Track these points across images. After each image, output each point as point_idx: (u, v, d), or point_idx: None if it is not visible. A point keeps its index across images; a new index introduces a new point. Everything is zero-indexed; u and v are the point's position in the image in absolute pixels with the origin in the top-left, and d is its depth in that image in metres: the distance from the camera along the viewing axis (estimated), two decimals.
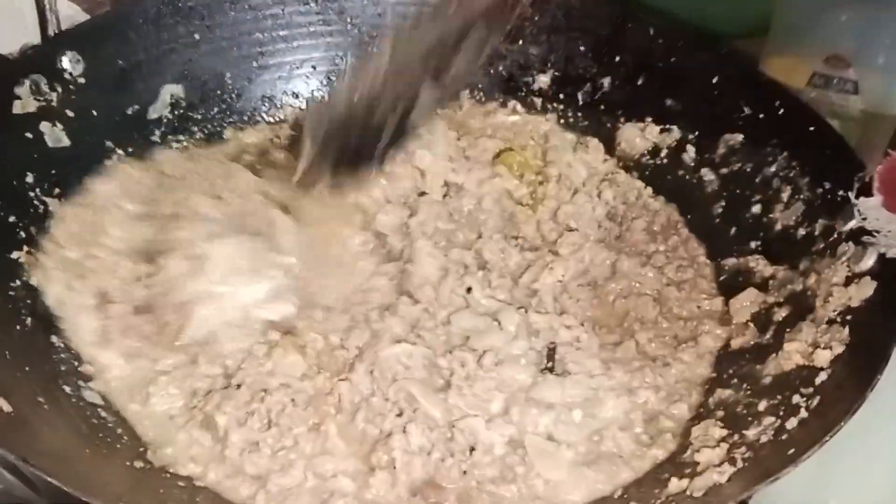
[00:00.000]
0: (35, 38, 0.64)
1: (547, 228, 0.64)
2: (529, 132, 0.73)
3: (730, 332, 0.54)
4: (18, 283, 0.52)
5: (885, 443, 0.52)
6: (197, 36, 0.69)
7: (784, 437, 0.42)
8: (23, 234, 0.54)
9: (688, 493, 0.40)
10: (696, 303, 0.57)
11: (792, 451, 0.39)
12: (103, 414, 0.48)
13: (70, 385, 0.48)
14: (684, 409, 0.50)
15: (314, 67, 0.74)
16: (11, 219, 0.54)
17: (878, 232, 0.47)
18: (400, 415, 0.48)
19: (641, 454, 0.47)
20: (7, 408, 0.41)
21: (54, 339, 0.51)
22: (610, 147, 0.71)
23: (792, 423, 0.42)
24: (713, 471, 0.41)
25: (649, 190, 0.68)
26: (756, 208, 0.62)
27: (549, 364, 0.53)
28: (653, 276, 0.59)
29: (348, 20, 0.75)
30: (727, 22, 0.76)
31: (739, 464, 0.41)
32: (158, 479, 0.45)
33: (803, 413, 0.43)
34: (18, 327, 0.49)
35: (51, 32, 0.64)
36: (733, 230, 0.62)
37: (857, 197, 0.49)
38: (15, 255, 0.52)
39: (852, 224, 0.49)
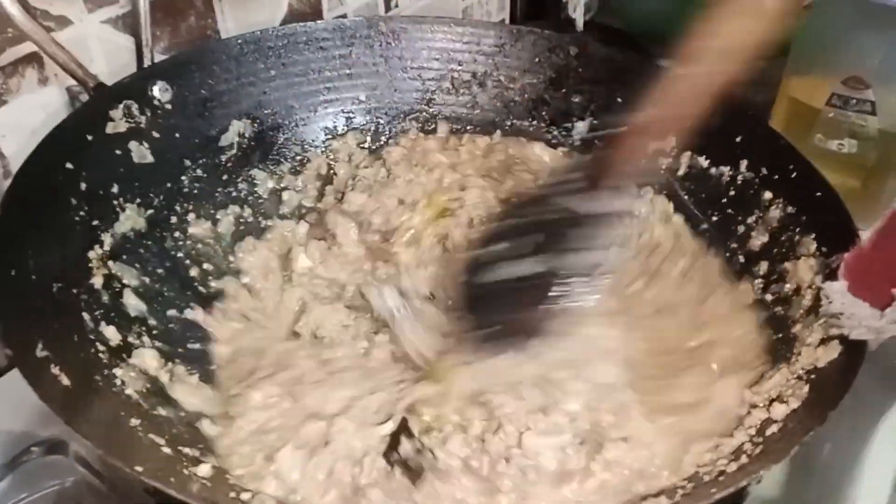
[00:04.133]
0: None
1: None
2: None
3: None
4: (92, 281, 0.60)
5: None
6: (272, 72, 0.78)
7: (721, 478, 0.46)
8: (101, 237, 0.63)
9: None
10: None
11: (713, 490, 0.43)
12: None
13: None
14: None
15: (374, 103, 0.83)
16: (95, 223, 0.63)
17: (842, 314, 0.50)
18: None
19: None
20: (66, 381, 0.49)
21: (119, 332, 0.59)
22: None
23: (732, 468, 0.46)
24: (649, 502, 0.45)
25: None
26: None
27: None
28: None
29: (408, 64, 0.83)
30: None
31: (677, 497, 0.45)
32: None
33: (744, 459, 0.46)
34: (87, 317, 0.58)
35: (146, 64, 0.74)
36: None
37: (823, 281, 0.52)
38: (91, 254, 0.61)
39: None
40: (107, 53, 0.72)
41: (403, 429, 0.54)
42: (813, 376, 0.51)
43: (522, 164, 0.77)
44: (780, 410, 0.49)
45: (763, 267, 0.63)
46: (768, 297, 0.60)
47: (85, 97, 0.68)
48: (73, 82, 0.67)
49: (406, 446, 0.53)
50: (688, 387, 0.55)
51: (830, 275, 0.53)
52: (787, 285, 0.59)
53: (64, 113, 0.70)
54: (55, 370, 0.49)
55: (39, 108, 0.69)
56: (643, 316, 0.63)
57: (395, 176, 0.76)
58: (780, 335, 0.57)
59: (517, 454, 0.51)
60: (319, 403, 0.56)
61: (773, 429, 0.48)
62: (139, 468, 0.42)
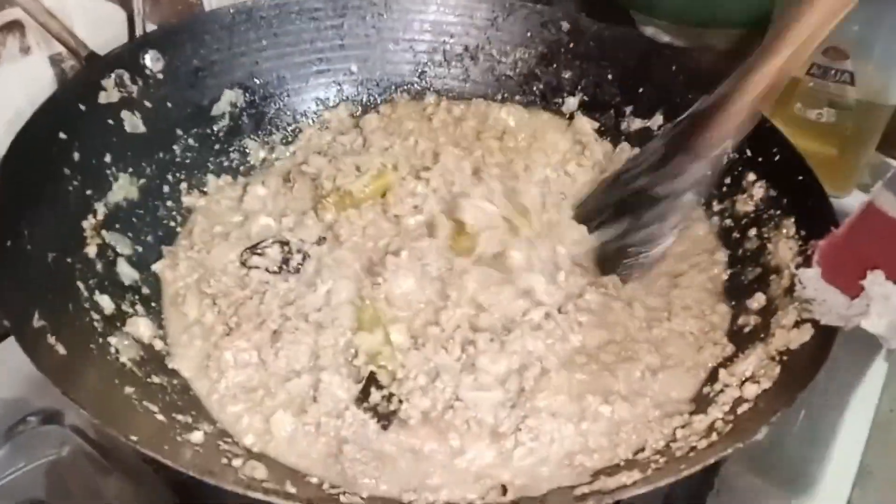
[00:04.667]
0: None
1: None
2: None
3: None
4: (86, 250, 0.61)
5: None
6: (264, 42, 0.78)
7: (691, 454, 0.48)
8: (95, 206, 0.64)
9: (597, 489, 0.47)
10: None
11: (683, 466, 0.45)
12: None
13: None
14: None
15: (366, 74, 0.83)
16: (88, 192, 0.64)
17: (814, 300, 0.52)
18: None
19: None
20: (62, 350, 0.51)
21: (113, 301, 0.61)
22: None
23: (702, 444, 0.48)
24: (622, 474, 0.47)
25: None
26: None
27: None
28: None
29: (400, 35, 0.83)
30: (732, 13, 0.80)
31: (649, 471, 0.47)
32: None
33: (714, 437, 0.49)
34: (82, 286, 0.59)
35: (138, 33, 0.74)
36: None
37: (797, 268, 0.54)
38: (85, 224, 0.62)
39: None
40: (93, 22, 0.72)
41: (372, 380, 0.57)
42: (785, 358, 0.53)
43: (490, 130, 0.78)
44: (751, 390, 0.51)
45: (743, 244, 0.65)
46: (745, 276, 0.62)
47: (69, 64, 0.67)
48: (57, 51, 0.67)
49: (375, 396, 0.56)
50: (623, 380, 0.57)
51: (805, 261, 0.54)
52: (761, 267, 0.61)
53: (47, 81, 0.71)
54: (51, 340, 0.51)
55: (22, 77, 0.69)
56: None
57: (371, 144, 0.77)
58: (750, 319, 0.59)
59: (460, 405, 0.54)
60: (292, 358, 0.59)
61: (745, 407, 0.50)
62: (134, 437, 0.44)
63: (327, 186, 0.72)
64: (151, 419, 0.52)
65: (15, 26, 0.66)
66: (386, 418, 0.55)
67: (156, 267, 0.66)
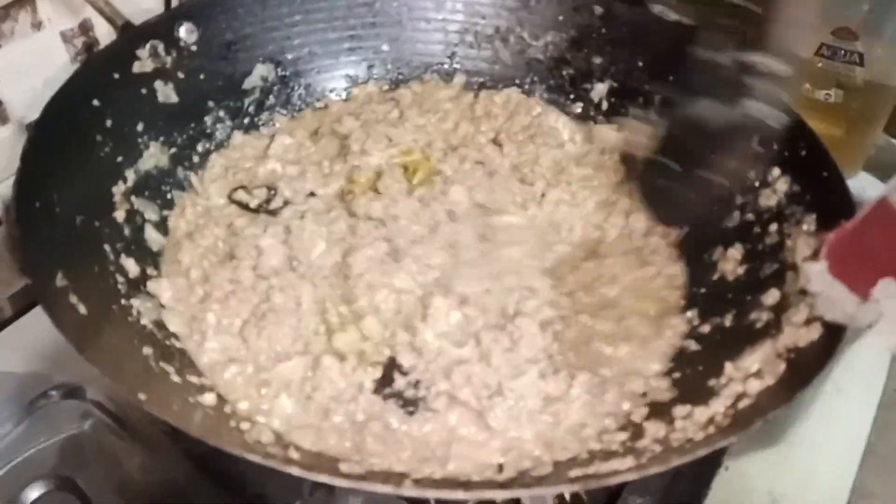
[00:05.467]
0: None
1: None
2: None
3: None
4: (114, 215, 0.63)
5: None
6: (297, 17, 0.79)
7: (687, 445, 0.48)
8: (125, 173, 0.66)
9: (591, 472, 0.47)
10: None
11: (675, 457, 0.45)
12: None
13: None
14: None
15: (396, 53, 0.83)
16: (119, 159, 0.66)
17: (819, 295, 0.51)
18: None
19: None
20: (83, 310, 0.53)
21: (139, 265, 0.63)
22: None
23: (699, 436, 0.48)
24: (616, 460, 0.48)
25: None
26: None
27: None
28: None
29: (431, 15, 0.83)
30: None
31: (643, 459, 0.48)
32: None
33: (712, 430, 0.49)
34: (108, 248, 0.61)
35: (173, 4, 0.76)
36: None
37: (803, 261, 0.53)
38: (115, 189, 0.64)
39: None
40: None
41: (394, 366, 0.58)
42: (792, 355, 0.52)
43: (544, 136, 0.78)
44: (754, 386, 0.51)
45: (763, 239, 0.64)
46: (763, 272, 0.61)
47: (80, 42, 0.69)
48: (68, 26, 0.69)
49: (399, 382, 0.57)
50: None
51: (813, 255, 0.54)
52: (779, 262, 0.60)
53: (59, 56, 0.72)
54: (73, 299, 0.52)
55: (34, 52, 0.70)
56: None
57: (406, 119, 0.78)
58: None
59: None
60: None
61: (745, 403, 0.50)
62: (143, 395, 0.46)
63: (354, 149, 0.73)
64: (166, 380, 0.54)
65: (25, 2, 0.68)
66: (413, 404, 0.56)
67: (168, 214, 0.68)
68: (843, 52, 0.71)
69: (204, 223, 0.68)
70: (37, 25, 0.69)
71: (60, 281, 0.53)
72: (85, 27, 0.71)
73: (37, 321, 0.48)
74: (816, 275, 0.52)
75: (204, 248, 0.66)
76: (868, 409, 0.61)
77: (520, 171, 0.75)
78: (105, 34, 0.76)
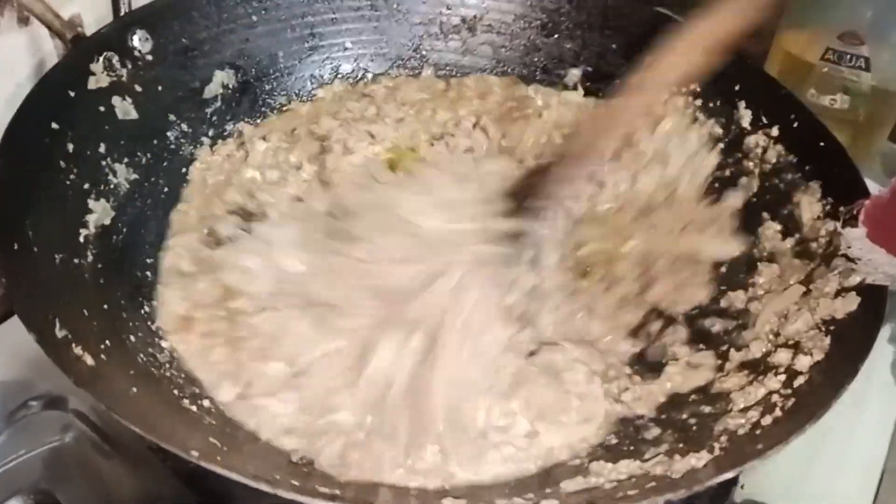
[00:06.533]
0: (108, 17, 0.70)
1: None
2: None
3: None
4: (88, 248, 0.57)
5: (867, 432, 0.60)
6: (254, 17, 0.74)
7: (758, 431, 0.47)
8: (93, 200, 0.59)
9: (668, 474, 0.46)
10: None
11: (760, 445, 0.44)
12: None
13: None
14: None
15: (360, 49, 0.79)
16: (86, 186, 0.60)
17: (859, 259, 0.52)
18: None
19: None
20: (90, 361, 0.47)
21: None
22: None
23: (767, 420, 0.48)
24: (692, 456, 0.47)
25: None
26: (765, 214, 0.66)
27: None
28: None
29: (395, 6, 0.79)
30: None
31: (717, 452, 0.47)
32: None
33: (778, 412, 0.48)
34: (92, 285, 0.55)
35: (122, 11, 0.69)
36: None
37: (843, 227, 0.54)
38: (86, 219, 0.58)
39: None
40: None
41: None
42: (832, 328, 0.52)
43: (520, 109, 0.76)
44: (804, 362, 0.51)
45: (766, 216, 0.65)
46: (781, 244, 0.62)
47: (69, 36, 0.62)
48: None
49: None
50: None
51: (851, 220, 0.54)
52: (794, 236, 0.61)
53: (48, 52, 0.66)
54: (77, 350, 0.47)
55: (21, 49, 0.65)
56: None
57: (385, 114, 0.74)
58: None
59: None
60: None
61: (801, 380, 0.50)
62: (195, 452, 0.41)
63: (336, 149, 0.70)
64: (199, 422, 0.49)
65: None
66: None
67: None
68: (849, 56, 0.70)
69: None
70: (24, 20, 0.64)
71: (60, 331, 0.47)
72: (73, 23, 0.64)
73: (16, 328, 0.43)
74: (856, 241, 0.52)
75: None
76: (887, 425, 0.62)
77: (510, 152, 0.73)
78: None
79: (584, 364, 0.56)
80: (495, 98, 0.78)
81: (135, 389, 0.48)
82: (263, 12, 0.75)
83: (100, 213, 0.60)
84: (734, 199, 0.66)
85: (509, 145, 0.73)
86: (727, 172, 0.69)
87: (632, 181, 0.69)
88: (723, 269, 0.63)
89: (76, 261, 0.55)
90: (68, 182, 0.58)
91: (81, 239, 0.57)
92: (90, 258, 0.57)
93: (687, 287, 0.62)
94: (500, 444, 0.51)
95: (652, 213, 0.66)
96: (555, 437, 0.52)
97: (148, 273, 0.61)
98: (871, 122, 0.74)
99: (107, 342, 0.51)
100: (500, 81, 0.79)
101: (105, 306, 0.55)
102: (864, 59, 0.70)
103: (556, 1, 0.79)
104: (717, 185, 0.68)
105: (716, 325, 0.60)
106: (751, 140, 0.68)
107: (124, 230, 0.61)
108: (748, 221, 0.65)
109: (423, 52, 0.81)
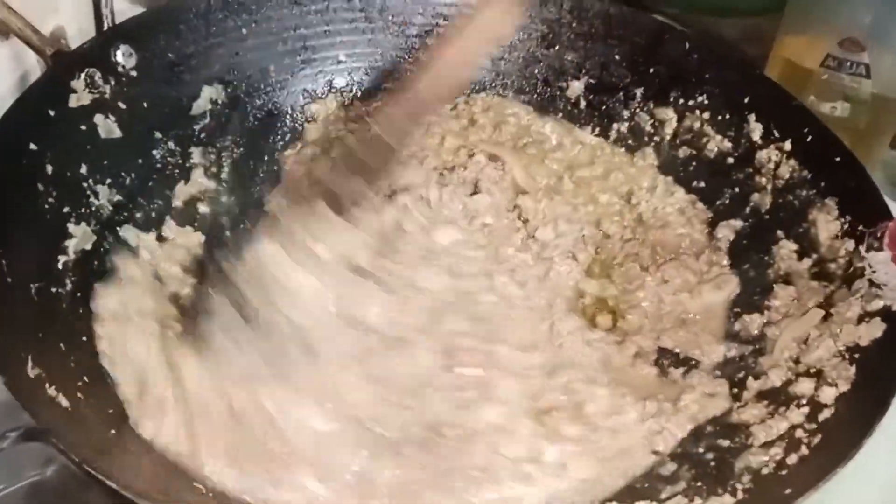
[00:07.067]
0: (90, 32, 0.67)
1: None
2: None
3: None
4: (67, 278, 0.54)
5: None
6: (244, 31, 0.71)
7: (784, 472, 0.44)
8: (73, 224, 0.57)
9: None
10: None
11: (790, 490, 0.41)
12: None
13: None
14: None
15: (355, 62, 0.77)
16: (66, 209, 0.57)
17: (885, 285, 0.49)
18: None
19: None
20: (65, 403, 0.44)
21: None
22: None
23: (793, 459, 0.45)
24: (714, 500, 0.44)
25: None
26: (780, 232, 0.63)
27: None
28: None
29: (390, 18, 0.77)
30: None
31: (739, 495, 0.44)
32: None
33: (804, 450, 0.45)
34: (71, 318, 0.52)
35: (105, 27, 0.66)
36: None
37: (867, 251, 0.51)
38: (65, 245, 0.55)
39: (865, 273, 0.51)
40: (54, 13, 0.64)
41: None
42: (857, 355, 0.50)
43: (535, 143, 0.74)
44: (829, 393, 0.48)
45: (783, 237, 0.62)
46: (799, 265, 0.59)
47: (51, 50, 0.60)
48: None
49: None
50: None
51: (873, 242, 0.52)
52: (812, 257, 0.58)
53: (31, 64, 0.64)
54: (51, 391, 0.44)
55: (2, 62, 0.63)
56: None
57: None
58: None
59: None
60: None
61: (826, 414, 0.47)
62: None
63: None
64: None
65: None
66: None
67: None
68: (849, 63, 0.68)
69: None
70: (6, 33, 0.61)
71: (33, 370, 0.44)
72: (55, 36, 0.63)
73: None
74: (881, 264, 0.50)
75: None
76: None
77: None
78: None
79: None
80: (508, 130, 0.75)
81: (113, 431, 0.45)
82: (254, 25, 0.72)
83: (80, 237, 0.57)
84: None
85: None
86: (737, 189, 0.66)
87: None
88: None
89: (53, 290, 0.52)
90: (47, 206, 0.55)
91: (60, 266, 0.55)
92: (69, 286, 0.54)
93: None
94: None
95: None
96: None
97: None
98: (871, 130, 0.72)
99: (84, 378, 0.48)
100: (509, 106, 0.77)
101: (84, 338, 0.52)
102: (865, 66, 0.68)
103: (558, 11, 0.76)
104: (727, 201, 0.66)
105: (731, 351, 0.57)
106: (762, 155, 0.66)
107: (106, 256, 0.58)
108: (760, 241, 0.63)
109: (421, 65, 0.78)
